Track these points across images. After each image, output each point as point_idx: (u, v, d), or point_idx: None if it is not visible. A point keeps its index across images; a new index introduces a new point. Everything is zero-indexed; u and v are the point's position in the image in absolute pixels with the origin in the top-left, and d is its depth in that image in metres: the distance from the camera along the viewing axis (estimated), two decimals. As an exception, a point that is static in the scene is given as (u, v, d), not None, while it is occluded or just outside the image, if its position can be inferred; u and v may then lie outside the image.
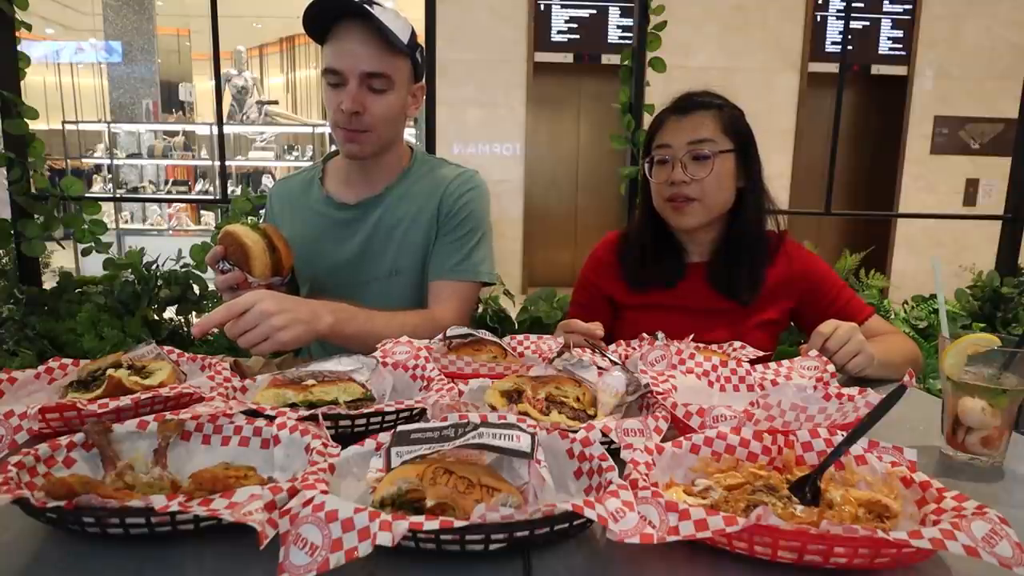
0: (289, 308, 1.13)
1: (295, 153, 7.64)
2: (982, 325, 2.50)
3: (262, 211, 2.12)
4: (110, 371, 0.95)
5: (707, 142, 1.39)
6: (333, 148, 1.56)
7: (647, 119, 1.75)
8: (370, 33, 1.33)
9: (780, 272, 1.46)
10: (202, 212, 7.35)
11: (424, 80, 1.51)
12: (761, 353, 1.23)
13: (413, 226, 1.50)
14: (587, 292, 1.59)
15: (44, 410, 0.83)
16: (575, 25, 6.18)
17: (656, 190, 1.46)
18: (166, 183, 7.88)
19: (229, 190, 2.85)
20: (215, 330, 1.15)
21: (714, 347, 1.24)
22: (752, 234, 1.45)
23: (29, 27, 2.38)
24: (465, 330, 1.23)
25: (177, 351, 1.12)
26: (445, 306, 1.45)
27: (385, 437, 0.76)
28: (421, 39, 1.50)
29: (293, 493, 0.63)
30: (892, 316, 2.56)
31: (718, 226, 1.47)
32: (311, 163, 1.70)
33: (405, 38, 1.38)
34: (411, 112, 1.50)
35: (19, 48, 2.32)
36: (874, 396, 0.87)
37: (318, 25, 1.36)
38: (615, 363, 1.01)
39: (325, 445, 0.75)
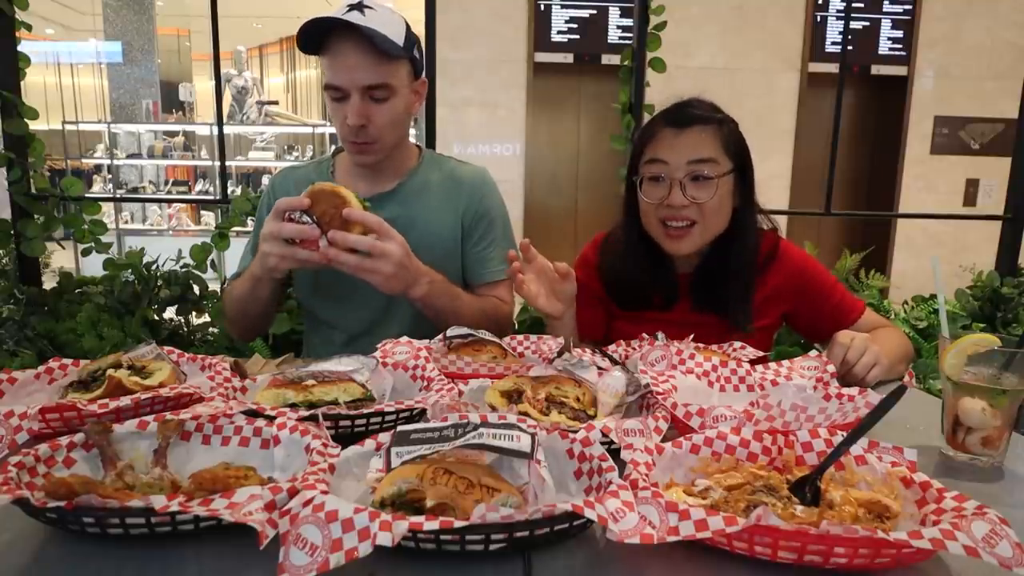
0: (405, 266, 1.25)
1: (295, 153, 7.66)
2: (982, 325, 2.49)
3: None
4: (110, 371, 0.95)
5: (709, 163, 1.30)
6: (339, 145, 1.56)
7: (647, 119, 1.73)
8: (364, 45, 1.32)
9: (773, 282, 1.43)
10: (202, 212, 7.36)
11: (424, 73, 1.50)
12: (761, 353, 1.23)
13: (431, 224, 1.51)
14: (582, 293, 1.57)
15: (44, 410, 0.83)
16: (575, 25, 6.17)
17: (649, 210, 1.36)
18: (166, 183, 7.89)
19: (229, 190, 2.85)
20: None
21: (714, 347, 1.24)
22: (745, 257, 1.38)
23: (29, 27, 2.38)
24: (465, 330, 1.23)
25: (177, 351, 1.12)
26: (503, 299, 1.57)
27: (385, 437, 0.76)
28: (419, 32, 1.49)
29: (293, 493, 0.63)
30: (892, 316, 2.56)
31: (709, 244, 1.40)
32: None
33: (400, 39, 1.36)
34: (413, 110, 1.50)
35: (19, 48, 2.32)
36: (874, 396, 0.87)
37: (313, 39, 1.35)
38: (615, 363, 1.01)
39: (325, 445, 0.75)
